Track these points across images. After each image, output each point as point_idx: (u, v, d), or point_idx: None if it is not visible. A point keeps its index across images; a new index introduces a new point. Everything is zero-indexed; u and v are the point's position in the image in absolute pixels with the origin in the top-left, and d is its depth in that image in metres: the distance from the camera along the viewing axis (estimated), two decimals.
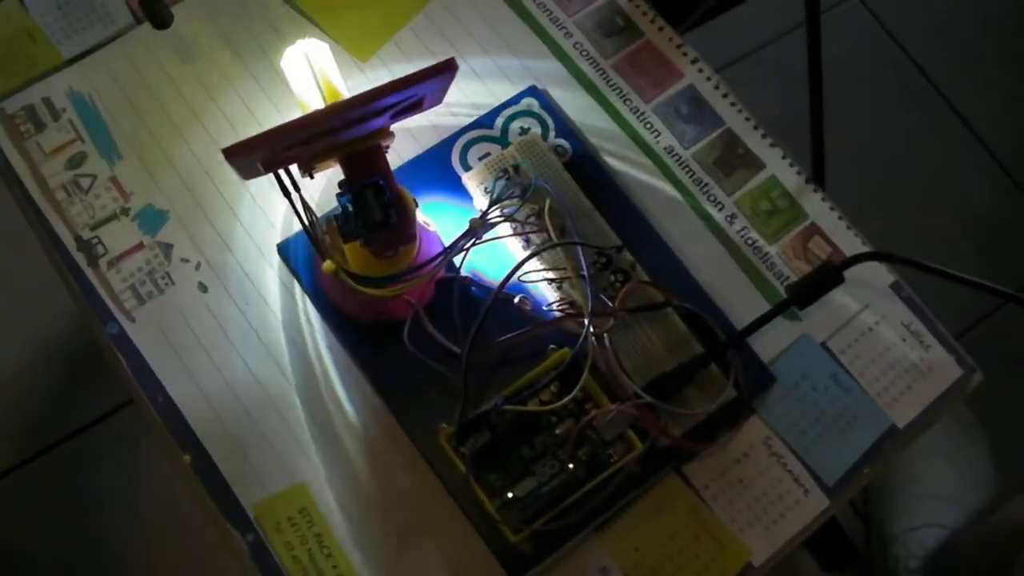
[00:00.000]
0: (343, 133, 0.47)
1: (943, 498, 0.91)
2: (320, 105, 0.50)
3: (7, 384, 1.10)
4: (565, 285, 0.52)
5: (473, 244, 0.51)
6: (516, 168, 0.55)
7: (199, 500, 0.52)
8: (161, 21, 0.59)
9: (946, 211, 1.24)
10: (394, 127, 0.54)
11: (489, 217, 0.51)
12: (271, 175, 0.48)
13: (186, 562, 1.04)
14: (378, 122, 0.48)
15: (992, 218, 1.25)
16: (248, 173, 0.48)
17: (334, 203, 0.55)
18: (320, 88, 0.50)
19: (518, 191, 0.53)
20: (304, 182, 0.50)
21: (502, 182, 0.54)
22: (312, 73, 0.50)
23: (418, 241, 0.51)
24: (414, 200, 0.50)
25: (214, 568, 1.02)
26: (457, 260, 0.52)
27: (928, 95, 1.30)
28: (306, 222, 0.48)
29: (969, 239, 1.23)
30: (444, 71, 0.45)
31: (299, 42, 0.51)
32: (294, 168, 0.49)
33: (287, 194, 0.48)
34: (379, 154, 0.49)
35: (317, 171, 0.50)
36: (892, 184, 1.24)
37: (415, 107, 0.49)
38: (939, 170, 1.27)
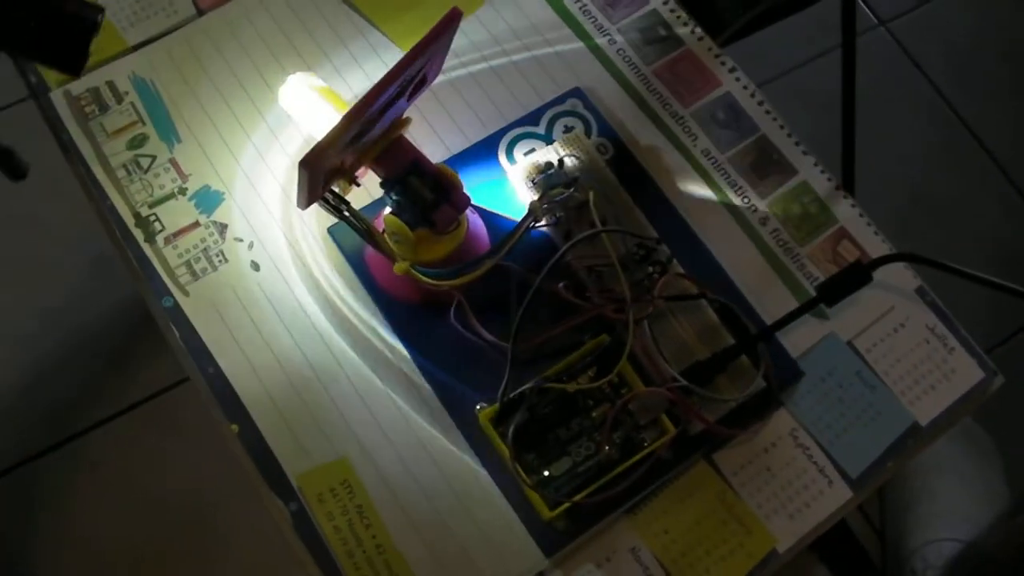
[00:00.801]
0: (372, 130, 0.49)
1: (959, 514, 0.92)
2: (336, 119, 0.52)
3: (32, 373, 1.12)
4: (606, 273, 0.55)
5: (533, 226, 0.53)
6: (561, 162, 0.57)
7: (243, 470, 0.54)
8: (17, 172, 0.61)
9: (966, 238, 1.26)
10: (444, 122, 0.57)
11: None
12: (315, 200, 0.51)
13: (192, 560, 1.05)
14: (400, 105, 0.51)
15: (1010, 245, 1.27)
16: (313, 193, 0.49)
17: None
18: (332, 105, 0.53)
19: (563, 184, 0.56)
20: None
21: (549, 174, 0.56)
22: (318, 97, 0.53)
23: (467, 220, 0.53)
24: (452, 171, 0.53)
25: (225, 558, 1.04)
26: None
27: (951, 123, 1.33)
28: (366, 231, 0.51)
29: (989, 266, 1.25)
30: (454, 20, 0.48)
31: (288, 79, 0.53)
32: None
33: (339, 212, 0.51)
34: (405, 142, 0.52)
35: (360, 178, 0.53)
36: (913, 209, 1.27)
37: (423, 81, 0.52)
38: (959, 197, 1.29)
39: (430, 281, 0.51)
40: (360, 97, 0.46)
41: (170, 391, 1.09)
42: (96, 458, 1.07)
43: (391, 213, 0.52)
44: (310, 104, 0.55)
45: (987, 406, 0.59)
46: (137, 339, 1.12)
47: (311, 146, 0.44)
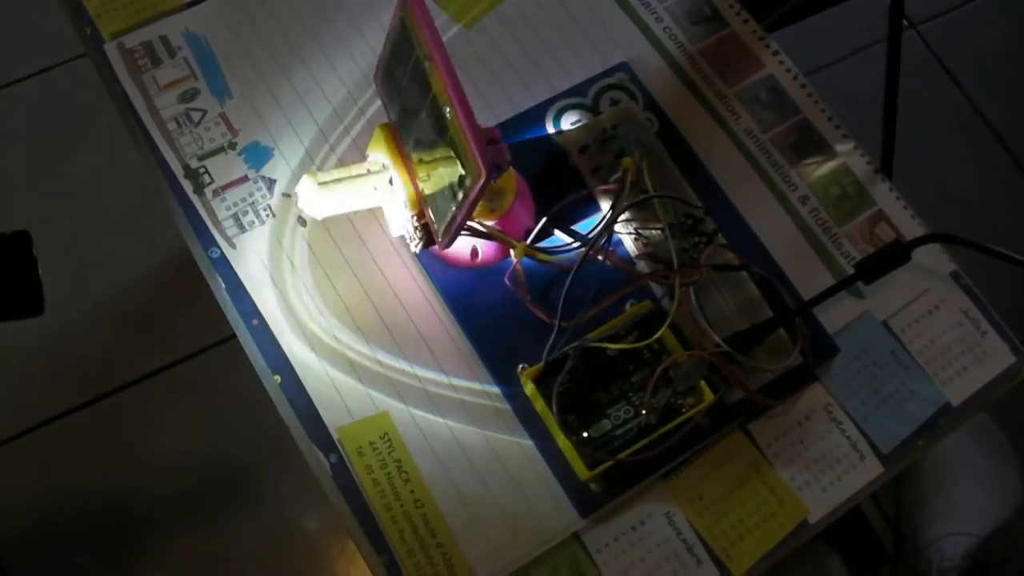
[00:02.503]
0: None
1: (977, 510, 0.92)
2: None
3: (72, 327, 1.12)
4: (652, 240, 0.55)
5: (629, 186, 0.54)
6: (614, 130, 0.58)
7: (285, 419, 0.54)
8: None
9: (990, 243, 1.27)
10: (492, 89, 0.58)
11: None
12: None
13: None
14: None
15: None
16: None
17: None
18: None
19: (619, 149, 0.57)
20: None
21: (601, 141, 0.57)
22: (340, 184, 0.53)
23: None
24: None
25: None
26: None
27: (981, 129, 1.34)
28: (484, 232, 0.52)
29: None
30: None
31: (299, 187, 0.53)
32: None
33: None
34: None
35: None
36: (941, 215, 1.28)
37: None
38: (985, 202, 1.30)
39: (546, 257, 0.53)
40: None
41: (196, 357, 1.10)
42: (122, 419, 1.08)
43: None
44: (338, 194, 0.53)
45: (1003, 404, 0.60)
46: (168, 302, 1.13)
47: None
